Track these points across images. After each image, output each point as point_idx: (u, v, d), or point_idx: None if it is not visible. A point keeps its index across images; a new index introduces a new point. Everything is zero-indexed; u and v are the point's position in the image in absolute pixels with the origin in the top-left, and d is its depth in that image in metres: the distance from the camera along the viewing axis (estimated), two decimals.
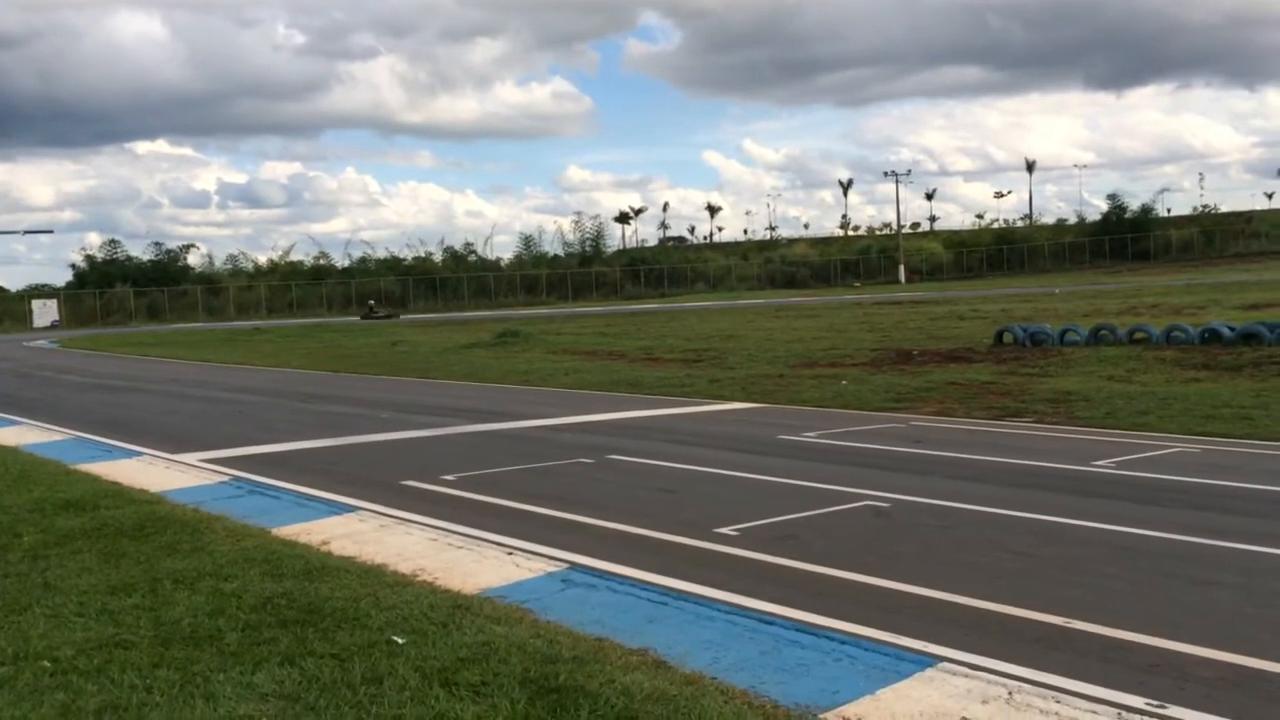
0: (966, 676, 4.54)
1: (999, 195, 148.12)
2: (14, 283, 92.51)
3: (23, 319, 67.25)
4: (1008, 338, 23.33)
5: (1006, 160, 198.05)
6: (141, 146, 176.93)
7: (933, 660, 4.74)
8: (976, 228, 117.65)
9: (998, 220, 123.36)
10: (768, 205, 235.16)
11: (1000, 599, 5.69)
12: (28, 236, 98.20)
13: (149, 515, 8.02)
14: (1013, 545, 6.95)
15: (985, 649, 4.90)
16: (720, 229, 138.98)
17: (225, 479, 10.12)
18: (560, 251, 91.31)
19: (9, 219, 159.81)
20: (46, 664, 4.81)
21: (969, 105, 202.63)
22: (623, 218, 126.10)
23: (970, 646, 4.92)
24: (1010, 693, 4.35)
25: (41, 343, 47.43)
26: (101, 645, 5.04)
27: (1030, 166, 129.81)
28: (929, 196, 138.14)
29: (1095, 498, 8.34)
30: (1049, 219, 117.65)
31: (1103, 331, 22.23)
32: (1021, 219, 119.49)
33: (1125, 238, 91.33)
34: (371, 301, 69.05)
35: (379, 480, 9.88)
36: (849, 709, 4.22)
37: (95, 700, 4.36)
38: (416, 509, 8.44)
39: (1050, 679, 4.51)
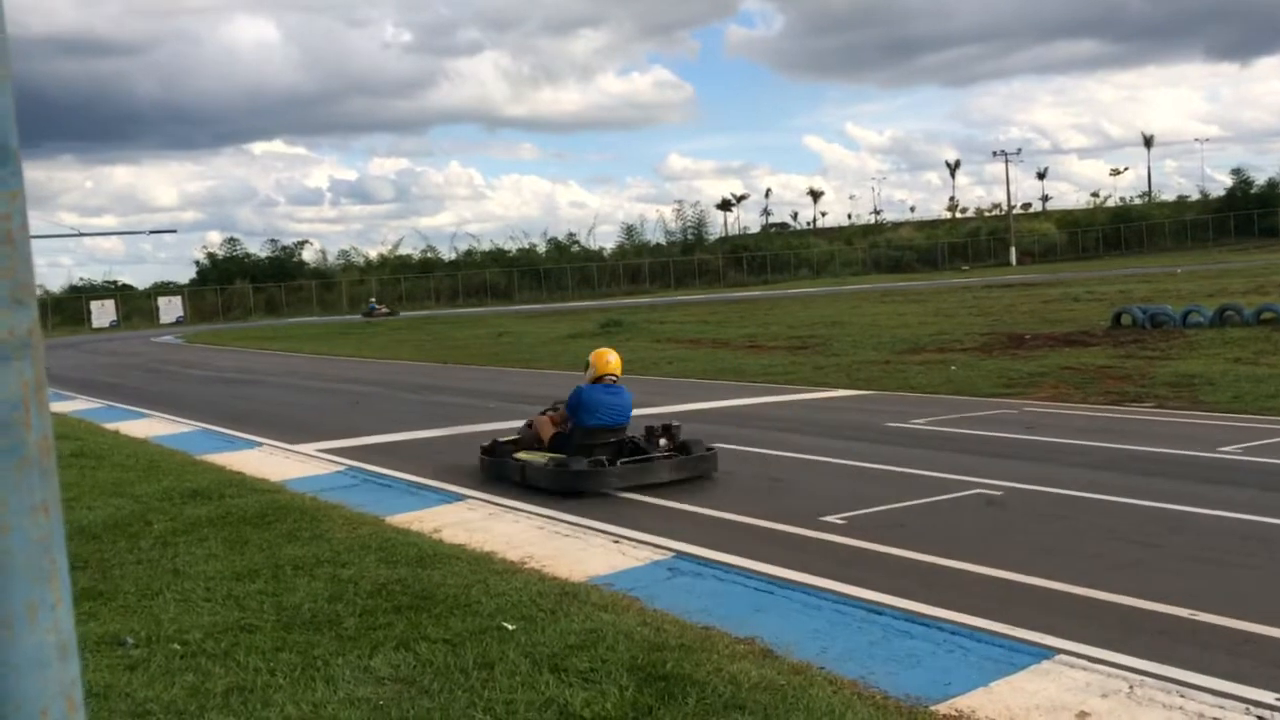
0: (1085, 669, 4.42)
1: (1115, 172, 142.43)
2: (142, 281, 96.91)
3: (150, 315, 70.31)
4: (1126, 320, 22.53)
5: (1123, 136, 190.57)
6: (258, 147, 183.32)
7: (1049, 652, 4.62)
8: (1091, 206, 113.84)
9: (1113, 198, 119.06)
10: (872, 189, 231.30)
11: (1120, 590, 5.51)
12: (153, 236, 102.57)
13: (270, 504, 8.31)
14: (1133, 534, 6.72)
15: (1104, 641, 4.75)
16: (824, 214, 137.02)
17: (341, 468, 10.42)
18: (662, 240, 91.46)
19: (136, 220, 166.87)
20: (177, 646, 5.02)
21: (1082, 80, 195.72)
22: (724, 205, 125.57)
23: (1088, 639, 4.79)
24: (1131, 686, 4.22)
25: (168, 338, 49.53)
26: (228, 629, 5.25)
27: (1148, 142, 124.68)
28: (1041, 175, 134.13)
29: (1221, 485, 8.01)
30: (1169, 196, 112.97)
31: (1228, 312, 21.29)
32: (1140, 196, 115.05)
33: (1251, 213, 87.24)
34: None
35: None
36: (961, 701, 4.14)
37: (223, 682, 4.54)
38: (524, 498, 8.55)
39: (1174, 673, 4.35)
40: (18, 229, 0.44)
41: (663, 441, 8.99)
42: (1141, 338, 19.94)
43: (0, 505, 0.43)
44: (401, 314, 59.80)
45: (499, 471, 9.22)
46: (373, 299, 67.34)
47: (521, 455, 9.04)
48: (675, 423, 9.36)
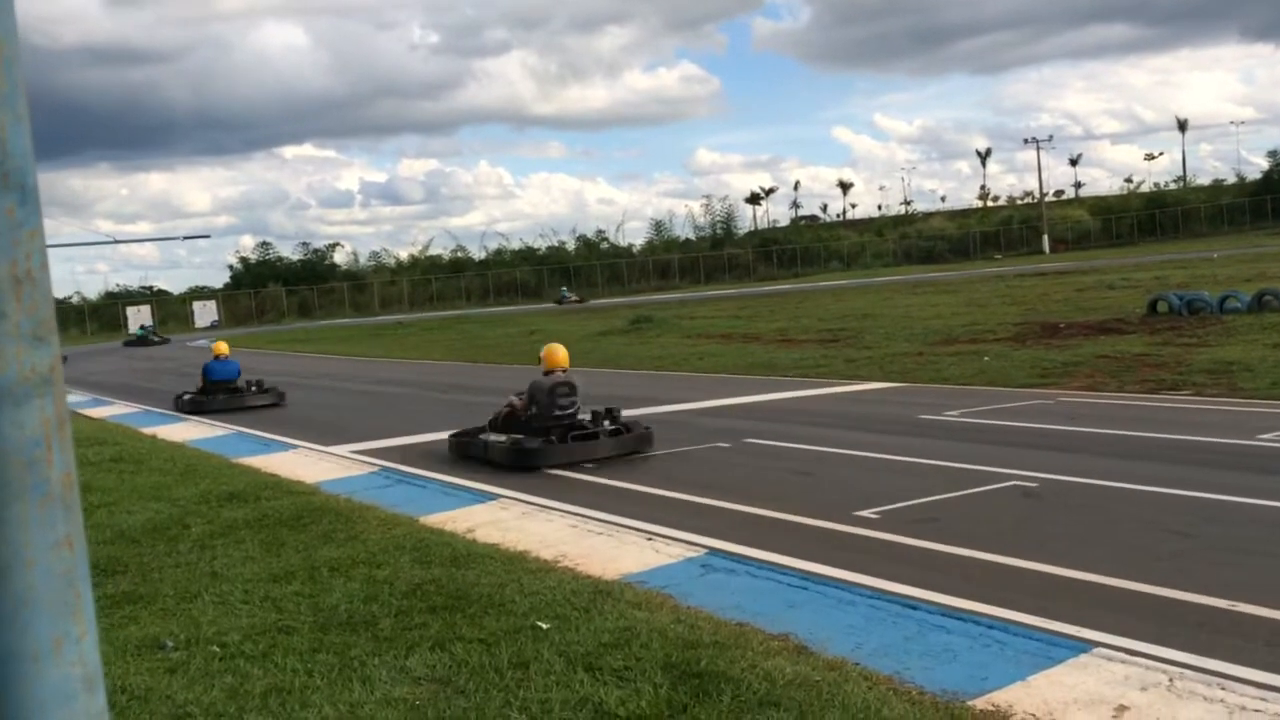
0: (1124, 662, 4.37)
1: (1149, 157, 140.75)
2: (176, 286, 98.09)
3: (185, 320, 71.09)
4: (1162, 307, 22.26)
5: (1156, 121, 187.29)
6: (289, 151, 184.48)
7: (1087, 646, 4.58)
8: (1125, 192, 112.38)
9: (1147, 184, 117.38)
10: (902, 179, 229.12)
11: (1158, 581, 5.46)
12: (188, 242, 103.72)
13: (305, 506, 8.39)
14: (1171, 525, 6.65)
15: (1143, 634, 4.71)
16: (853, 206, 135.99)
17: (375, 469, 10.49)
18: (691, 235, 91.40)
19: (170, 226, 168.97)
20: (216, 649, 5.09)
21: (1114, 65, 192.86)
22: (753, 199, 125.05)
23: (1127, 631, 4.74)
24: (1171, 679, 4.17)
25: (203, 342, 50.01)
26: (265, 631, 5.31)
27: (1183, 126, 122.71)
28: (1073, 162, 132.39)
29: (1261, 473, 7.90)
30: (1204, 180, 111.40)
31: (1267, 297, 20.97)
32: (1174, 181, 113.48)
33: None
34: None
35: (520, 468, 10.08)
36: (998, 696, 4.12)
37: (261, 683, 4.59)
38: (557, 496, 8.60)
39: (1214, 665, 4.31)
40: (38, 267, 0.45)
41: (254, 388, 17.55)
42: (1178, 324, 19.70)
43: (24, 542, 0.44)
44: (591, 302, 59.94)
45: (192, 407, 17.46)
46: (564, 288, 68.03)
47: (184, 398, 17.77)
48: (260, 378, 18.17)
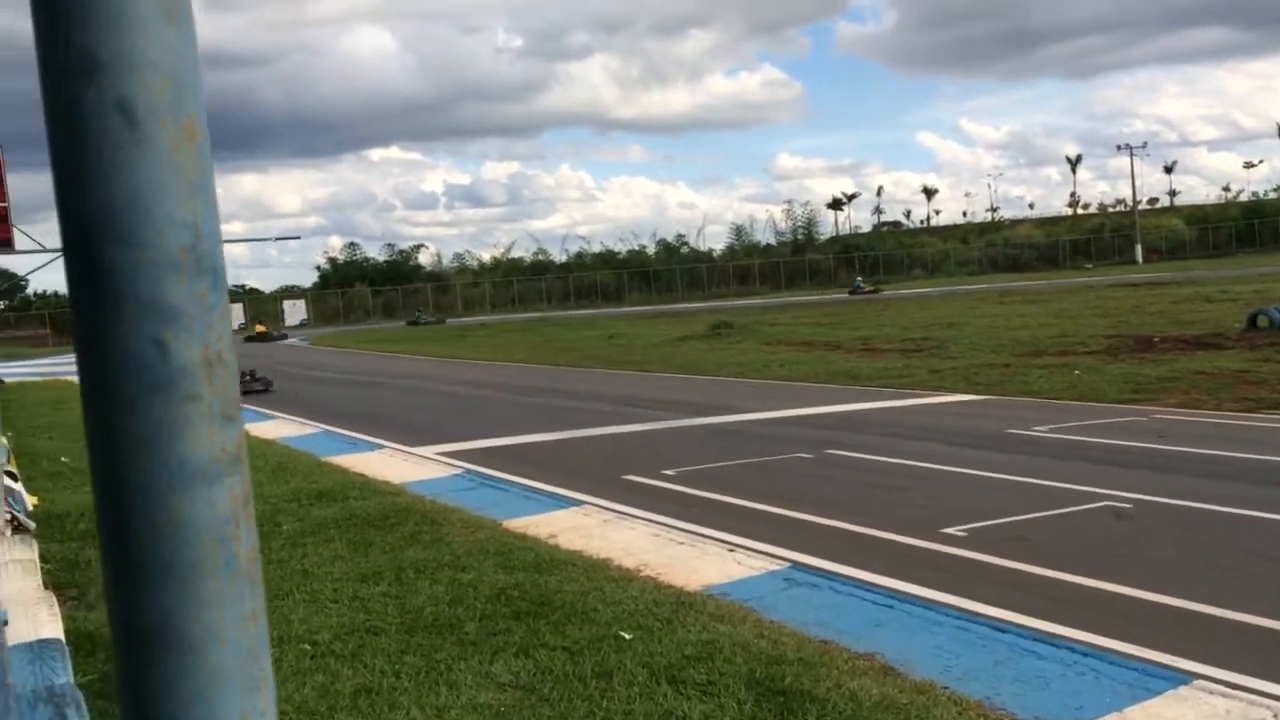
0: (1225, 696, 4.23)
1: (1249, 165, 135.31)
2: (267, 285, 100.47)
3: (276, 318, 72.96)
4: (1263, 321, 21.48)
5: (1256, 127, 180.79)
6: (376, 153, 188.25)
7: (1186, 677, 4.43)
8: (1223, 201, 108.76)
9: (1246, 192, 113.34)
10: (988, 186, 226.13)
11: (1262, 611, 5.26)
12: (279, 243, 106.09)
13: (392, 506, 8.53)
14: (1273, 551, 6.42)
15: (1246, 666, 4.54)
16: (938, 212, 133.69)
17: (459, 472, 10.63)
18: (772, 240, 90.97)
19: (262, 226, 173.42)
20: (307, 647, 5.20)
21: (1212, 70, 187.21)
22: (835, 204, 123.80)
23: (1228, 663, 4.58)
24: (1275, 715, 4.03)
25: (293, 340, 51.24)
26: (354, 631, 5.41)
27: None
28: (1168, 170, 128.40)
29: None
30: None
31: None
32: (1275, 190, 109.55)
33: None
34: None
35: (601, 474, 10.13)
36: None
37: (351, 683, 4.68)
38: (638, 504, 8.60)
39: None
40: (226, 348, 0.46)
41: None
42: (1279, 340, 19.00)
43: (217, 619, 0.45)
44: (885, 292, 59.80)
45: None
46: (859, 278, 68.50)
47: None
48: None
